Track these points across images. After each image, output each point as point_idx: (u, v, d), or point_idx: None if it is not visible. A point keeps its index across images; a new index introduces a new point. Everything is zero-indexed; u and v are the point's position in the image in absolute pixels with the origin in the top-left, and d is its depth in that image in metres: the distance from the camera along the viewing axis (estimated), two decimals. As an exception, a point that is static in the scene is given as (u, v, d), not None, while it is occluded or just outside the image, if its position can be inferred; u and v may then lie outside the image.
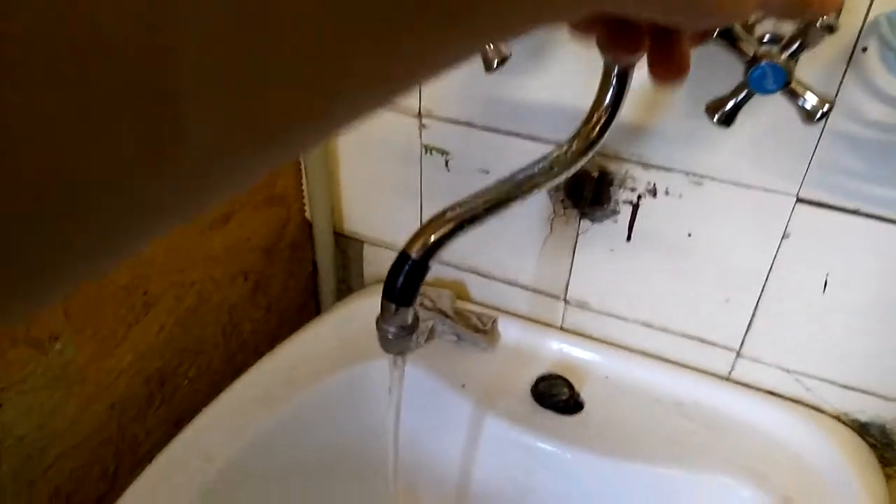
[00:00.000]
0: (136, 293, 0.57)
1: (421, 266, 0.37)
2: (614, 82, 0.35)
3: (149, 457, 0.54)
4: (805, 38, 0.36)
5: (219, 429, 0.57)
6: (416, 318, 0.40)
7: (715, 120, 0.34)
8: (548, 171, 0.39)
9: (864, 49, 0.45)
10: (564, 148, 0.39)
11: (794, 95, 0.31)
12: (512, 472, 0.61)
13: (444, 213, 0.38)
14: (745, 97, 0.33)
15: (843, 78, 0.46)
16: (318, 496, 0.62)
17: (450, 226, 0.37)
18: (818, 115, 0.31)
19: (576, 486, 0.59)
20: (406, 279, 0.37)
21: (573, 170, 0.39)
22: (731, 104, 0.34)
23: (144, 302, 0.58)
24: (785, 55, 0.32)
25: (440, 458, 0.64)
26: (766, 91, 0.30)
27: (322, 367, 0.63)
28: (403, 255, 0.37)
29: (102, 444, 0.59)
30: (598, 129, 0.37)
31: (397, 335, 0.40)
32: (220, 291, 0.66)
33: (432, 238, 0.37)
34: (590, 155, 0.38)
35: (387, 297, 0.38)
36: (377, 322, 0.40)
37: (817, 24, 0.36)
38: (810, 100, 0.31)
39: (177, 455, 0.54)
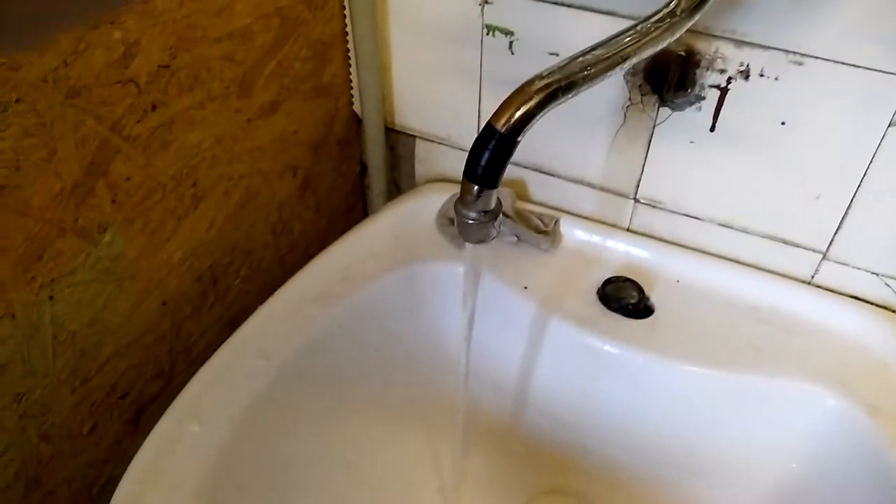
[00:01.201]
0: (186, 184, 0.54)
1: (509, 141, 0.33)
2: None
3: (203, 356, 0.52)
4: None
5: (276, 327, 0.55)
6: (499, 204, 0.36)
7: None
8: (651, 33, 0.34)
9: None
10: (672, 5, 0.34)
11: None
12: (576, 376, 0.59)
13: (533, 80, 0.34)
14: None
15: None
16: (375, 397, 0.60)
17: (542, 95, 0.33)
18: None
19: (644, 393, 0.56)
20: (492, 156, 0.33)
21: (680, 31, 0.34)
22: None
23: (193, 194, 0.55)
24: None
25: (501, 361, 0.62)
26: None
27: (378, 266, 0.61)
28: (489, 129, 0.33)
29: (156, 342, 0.57)
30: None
31: (479, 220, 0.36)
32: (268, 187, 0.63)
33: (523, 109, 0.33)
34: (702, 11, 0.33)
35: (468, 177, 0.34)
36: (455, 206, 0.36)
37: None
38: None
39: (235, 353, 0.52)
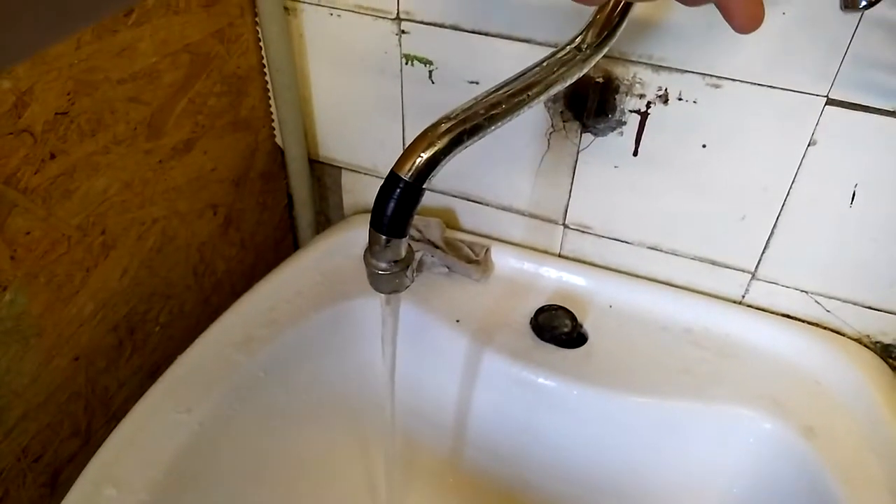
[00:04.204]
0: (93, 233, 0.51)
1: (414, 189, 0.32)
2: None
3: (124, 409, 0.49)
4: None
5: (197, 377, 0.52)
6: (411, 251, 0.35)
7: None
8: (558, 69, 0.33)
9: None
10: (577, 41, 0.33)
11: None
12: (513, 410, 0.57)
13: (437, 124, 0.32)
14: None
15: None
16: (308, 442, 0.58)
17: (446, 139, 0.31)
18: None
19: (581, 424, 0.55)
20: (398, 205, 0.32)
21: (588, 66, 0.33)
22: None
23: (103, 243, 0.52)
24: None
25: (435, 398, 0.60)
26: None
27: (304, 305, 0.58)
28: (393, 177, 0.32)
29: (70, 399, 0.54)
30: (618, 12, 0.31)
31: (389, 271, 0.34)
32: (187, 228, 0.60)
33: (426, 155, 0.31)
34: (608, 46, 0.32)
35: (375, 227, 0.33)
36: (364, 257, 0.35)
37: None
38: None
39: (153, 408, 0.49)
